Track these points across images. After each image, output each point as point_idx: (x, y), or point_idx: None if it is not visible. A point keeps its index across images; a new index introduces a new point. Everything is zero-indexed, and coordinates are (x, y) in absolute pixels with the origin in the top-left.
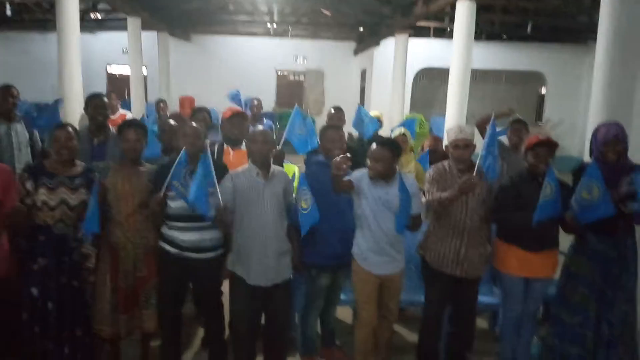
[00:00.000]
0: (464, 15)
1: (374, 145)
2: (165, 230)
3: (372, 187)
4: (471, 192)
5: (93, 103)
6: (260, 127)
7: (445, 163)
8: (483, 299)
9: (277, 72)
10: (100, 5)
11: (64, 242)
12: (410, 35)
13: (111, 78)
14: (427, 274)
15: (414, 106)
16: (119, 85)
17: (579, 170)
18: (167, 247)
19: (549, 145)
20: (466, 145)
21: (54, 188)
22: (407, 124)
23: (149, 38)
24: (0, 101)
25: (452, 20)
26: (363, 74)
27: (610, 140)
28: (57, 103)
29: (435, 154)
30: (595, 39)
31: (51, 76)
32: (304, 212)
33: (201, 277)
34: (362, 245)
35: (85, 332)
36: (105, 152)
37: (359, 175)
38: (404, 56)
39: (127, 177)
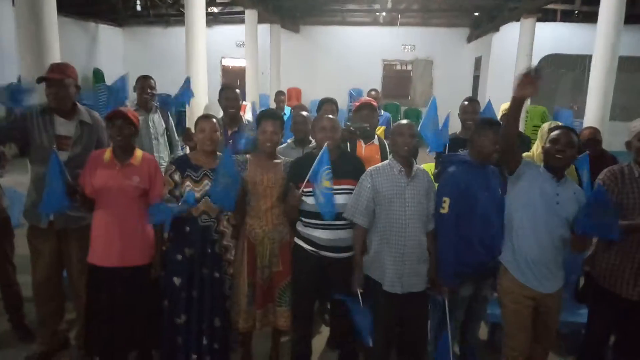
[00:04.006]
0: None
1: (557, 130)
2: (301, 227)
3: (544, 181)
4: None
5: (225, 95)
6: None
7: (624, 165)
8: None
9: (383, 62)
10: None
11: (208, 234)
12: (537, 20)
13: (225, 71)
14: (593, 294)
15: (535, 96)
16: (232, 77)
17: None
18: (304, 245)
19: None
20: None
21: (199, 180)
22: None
23: (261, 31)
24: (139, 91)
25: (584, 1)
26: (477, 62)
27: None
28: (188, 82)
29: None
30: None
31: (171, 69)
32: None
33: (335, 277)
34: (519, 252)
35: (223, 324)
36: (239, 143)
37: (529, 162)
38: (530, 42)
39: (265, 170)
